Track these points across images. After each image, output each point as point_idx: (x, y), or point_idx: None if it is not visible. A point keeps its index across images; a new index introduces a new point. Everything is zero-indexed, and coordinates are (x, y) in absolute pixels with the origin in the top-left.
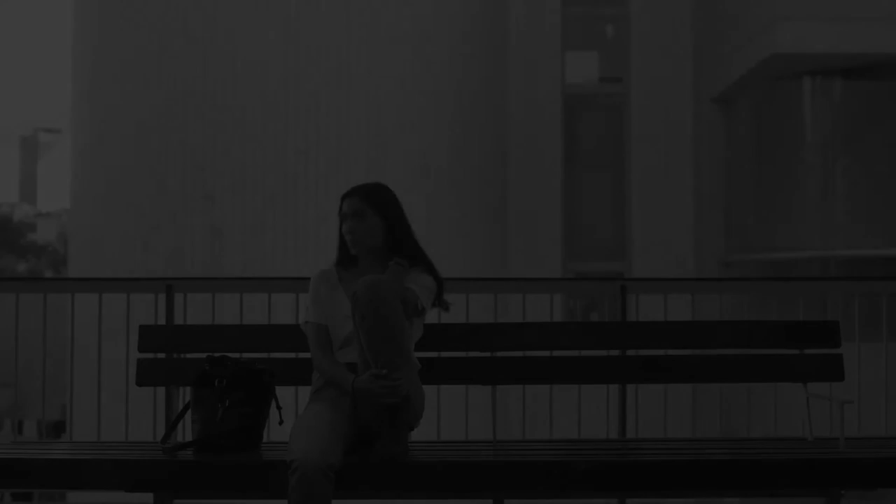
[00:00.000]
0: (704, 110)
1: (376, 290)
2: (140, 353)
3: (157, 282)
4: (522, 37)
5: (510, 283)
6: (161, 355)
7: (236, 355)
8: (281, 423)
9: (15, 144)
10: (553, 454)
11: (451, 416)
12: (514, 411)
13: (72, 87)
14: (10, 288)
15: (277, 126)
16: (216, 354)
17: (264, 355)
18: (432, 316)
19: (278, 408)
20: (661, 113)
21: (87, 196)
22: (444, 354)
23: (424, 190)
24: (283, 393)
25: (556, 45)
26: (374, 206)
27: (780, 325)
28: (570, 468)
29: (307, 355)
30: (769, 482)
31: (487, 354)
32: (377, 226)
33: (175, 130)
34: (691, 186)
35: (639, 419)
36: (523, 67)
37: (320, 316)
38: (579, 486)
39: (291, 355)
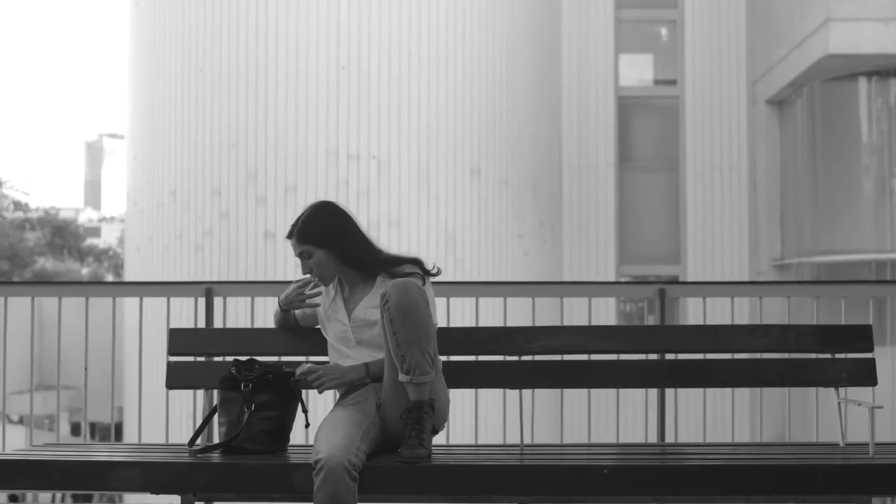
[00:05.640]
0: (759, 112)
1: (406, 293)
2: (170, 357)
3: (197, 285)
4: (575, 40)
5: (546, 287)
6: (199, 358)
7: (266, 359)
8: (307, 426)
9: (80, 150)
10: (578, 458)
11: (501, 420)
12: (569, 416)
13: (128, 93)
14: (54, 292)
15: (329, 130)
16: (243, 358)
17: (293, 358)
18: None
19: (304, 411)
20: (716, 115)
21: (142, 200)
22: (469, 358)
23: (475, 192)
24: (310, 397)
25: (609, 48)
26: (311, 242)
27: (812, 329)
28: (592, 472)
29: None
30: (796, 488)
31: (516, 358)
32: (325, 258)
33: (228, 136)
34: (746, 189)
35: (681, 425)
36: (576, 71)
37: (303, 317)
38: (602, 491)
39: (320, 358)
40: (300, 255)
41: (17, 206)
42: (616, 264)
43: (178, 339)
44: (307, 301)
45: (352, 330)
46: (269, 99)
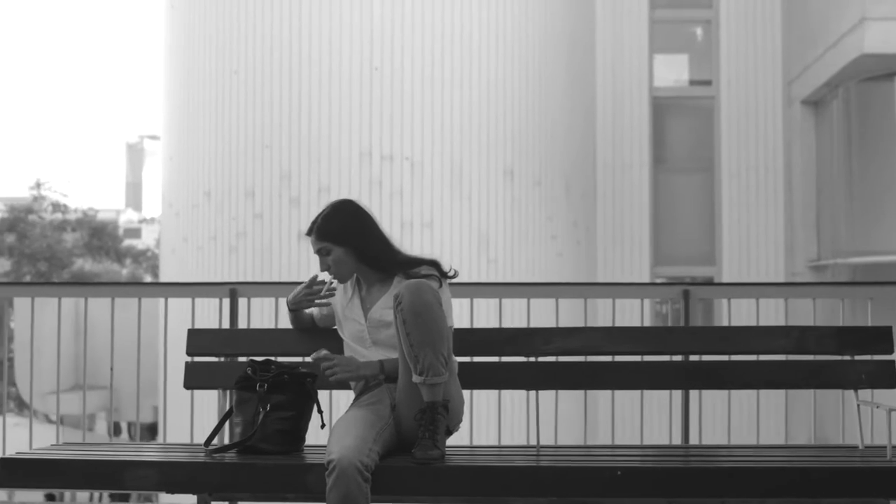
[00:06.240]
0: (794, 113)
1: (418, 294)
2: (188, 357)
3: (222, 286)
4: (609, 40)
5: (569, 287)
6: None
7: (286, 359)
8: (322, 426)
9: (121, 151)
10: (592, 460)
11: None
12: (594, 418)
13: (163, 95)
14: (79, 293)
15: (362, 131)
16: (259, 358)
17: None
18: (487, 320)
19: (320, 411)
20: (751, 116)
21: (177, 202)
22: (485, 359)
23: (508, 193)
24: (326, 397)
25: (644, 48)
26: (330, 240)
27: (831, 330)
28: (605, 473)
29: None
30: (811, 490)
31: (532, 360)
32: (343, 256)
33: (262, 137)
34: (781, 190)
35: (708, 427)
36: (611, 71)
37: (321, 318)
38: (615, 492)
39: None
40: (318, 251)
41: (56, 207)
42: (650, 265)
43: (197, 340)
44: (316, 301)
45: (368, 330)
46: (302, 100)
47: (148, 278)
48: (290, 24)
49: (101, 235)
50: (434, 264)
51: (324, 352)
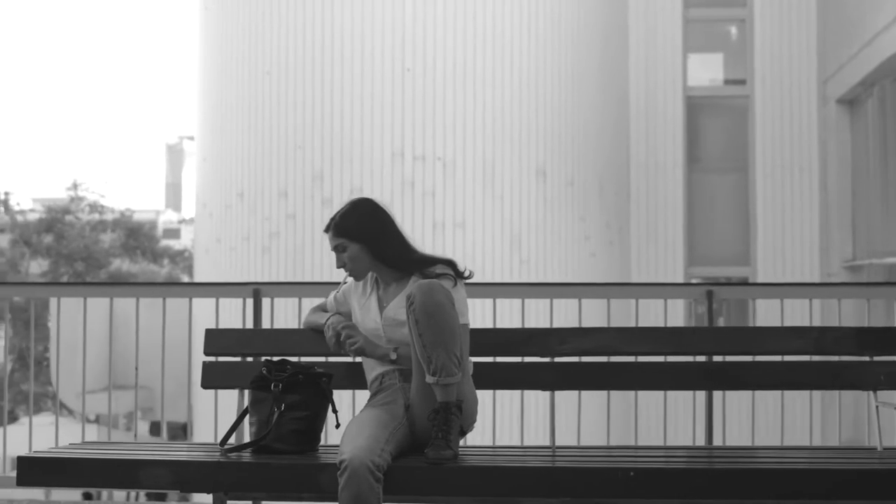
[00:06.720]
0: (829, 112)
1: (430, 295)
2: (206, 357)
3: (245, 286)
4: (642, 39)
5: (592, 288)
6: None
7: (308, 359)
8: (338, 426)
9: (161, 152)
10: (606, 460)
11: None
12: (617, 420)
13: (197, 96)
14: (105, 293)
15: (395, 131)
16: (274, 358)
17: (323, 359)
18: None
19: (335, 411)
20: (786, 115)
21: (210, 202)
22: (502, 359)
23: (541, 193)
24: (342, 397)
25: (678, 47)
26: (347, 236)
27: (849, 331)
28: (618, 474)
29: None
30: (828, 492)
31: (549, 360)
32: (359, 253)
33: (294, 138)
34: (817, 189)
35: (733, 428)
36: (644, 70)
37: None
38: (627, 493)
39: (351, 359)
40: (335, 248)
41: (93, 208)
42: (685, 266)
43: (214, 340)
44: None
45: (383, 329)
46: (334, 101)
47: (185, 279)
48: (323, 25)
49: (137, 236)
50: (450, 264)
51: (343, 322)
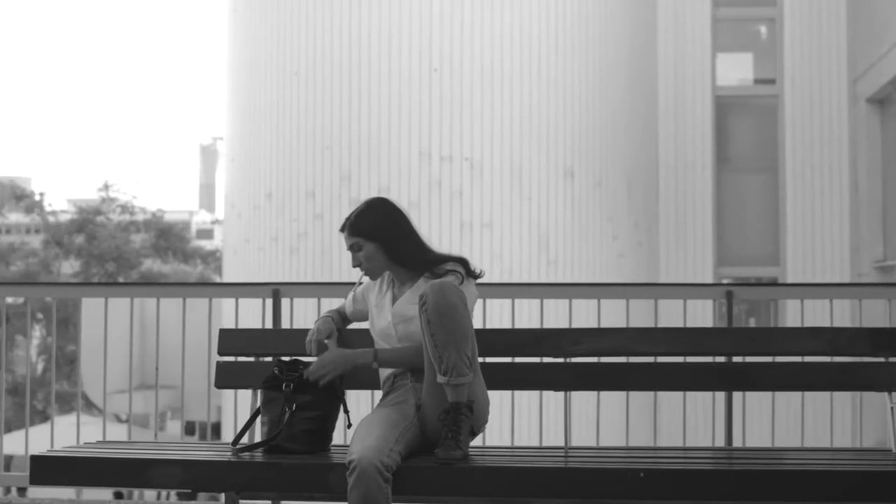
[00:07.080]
0: (860, 111)
1: (443, 294)
2: (220, 357)
3: (265, 286)
4: (671, 39)
5: (611, 288)
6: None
7: (308, 359)
8: (349, 426)
9: (195, 153)
10: (618, 461)
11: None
12: (637, 420)
13: (226, 97)
14: (125, 293)
15: (422, 132)
16: (286, 358)
17: None
18: (523, 321)
19: (346, 411)
20: (816, 115)
21: (239, 203)
22: (517, 359)
23: (569, 194)
24: (354, 396)
25: (707, 46)
26: (362, 235)
27: (864, 332)
28: (628, 475)
29: None
30: (841, 494)
31: (563, 360)
32: (374, 252)
33: (322, 139)
34: (847, 189)
35: (750, 429)
36: (672, 70)
37: (353, 312)
38: (638, 494)
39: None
40: (350, 247)
41: (124, 208)
42: (714, 266)
43: (227, 340)
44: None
45: (393, 326)
46: (362, 101)
47: (216, 279)
48: (350, 27)
49: (167, 236)
50: (462, 262)
51: (311, 367)
